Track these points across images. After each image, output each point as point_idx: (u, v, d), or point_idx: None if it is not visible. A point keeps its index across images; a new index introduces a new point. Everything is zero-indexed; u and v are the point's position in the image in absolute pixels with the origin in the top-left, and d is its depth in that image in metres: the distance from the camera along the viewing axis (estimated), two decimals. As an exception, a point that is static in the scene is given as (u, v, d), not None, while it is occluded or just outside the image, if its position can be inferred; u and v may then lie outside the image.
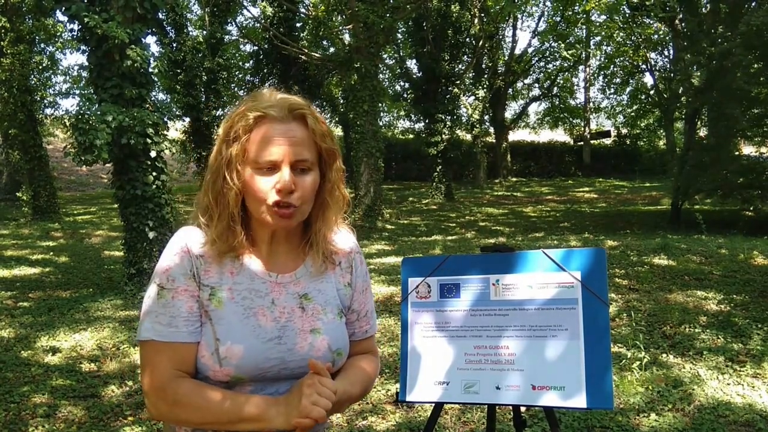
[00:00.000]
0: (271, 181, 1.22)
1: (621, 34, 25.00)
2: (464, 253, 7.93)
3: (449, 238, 11.18)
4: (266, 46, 21.33)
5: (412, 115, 26.42)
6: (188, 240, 1.27)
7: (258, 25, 22.05)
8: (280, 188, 1.21)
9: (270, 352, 1.24)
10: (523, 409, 2.59)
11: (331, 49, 22.28)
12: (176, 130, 19.54)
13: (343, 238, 1.41)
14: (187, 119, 19.09)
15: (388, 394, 3.98)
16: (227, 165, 1.23)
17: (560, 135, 33.31)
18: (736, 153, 13.20)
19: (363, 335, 1.44)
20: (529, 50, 27.49)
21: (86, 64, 7.23)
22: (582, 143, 30.43)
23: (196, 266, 1.25)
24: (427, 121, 20.58)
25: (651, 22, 21.68)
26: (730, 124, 11.90)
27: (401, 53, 24.31)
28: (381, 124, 23.42)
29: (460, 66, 21.36)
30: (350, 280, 1.41)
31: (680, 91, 17.08)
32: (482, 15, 21.95)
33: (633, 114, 28.96)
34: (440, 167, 20.18)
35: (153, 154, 7.06)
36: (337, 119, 27.13)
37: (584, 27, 26.14)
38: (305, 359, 1.26)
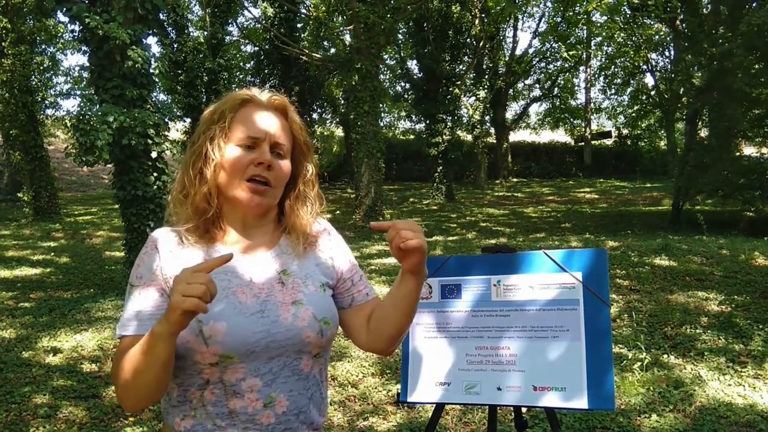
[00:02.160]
0: (250, 156, 1.29)
1: (622, 34, 24.98)
2: (465, 254, 7.93)
3: (450, 238, 11.18)
4: (267, 46, 21.36)
5: (413, 116, 26.44)
6: (157, 237, 1.32)
7: (259, 25, 22.08)
8: (258, 161, 1.28)
9: (254, 325, 1.25)
10: (524, 410, 2.59)
11: (332, 50, 22.29)
12: (177, 130, 19.57)
13: (317, 220, 1.45)
14: (188, 120, 19.11)
15: (390, 395, 3.98)
16: (210, 141, 1.30)
17: (561, 135, 33.28)
18: (737, 154, 13.19)
19: (365, 298, 1.44)
20: (530, 51, 27.48)
21: (87, 64, 7.24)
22: (583, 144, 30.41)
23: (163, 260, 1.29)
24: (427, 121, 20.58)
25: (652, 22, 21.67)
26: (731, 124, 11.89)
27: (402, 54, 24.31)
28: (382, 124, 23.43)
29: (460, 66, 21.35)
30: (330, 254, 1.43)
31: (681, 92, 17.08)
32: (483, 16, 21.95)
33: (634, 114, 28.94)
34: (441, 168, 20.18)
35: (154, 154, 7.07)
36: (337, 120, 27.18)
37: (585, 27, 26.14)
38: (291, 330, 1.28)
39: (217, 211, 1.32)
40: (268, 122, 1.31)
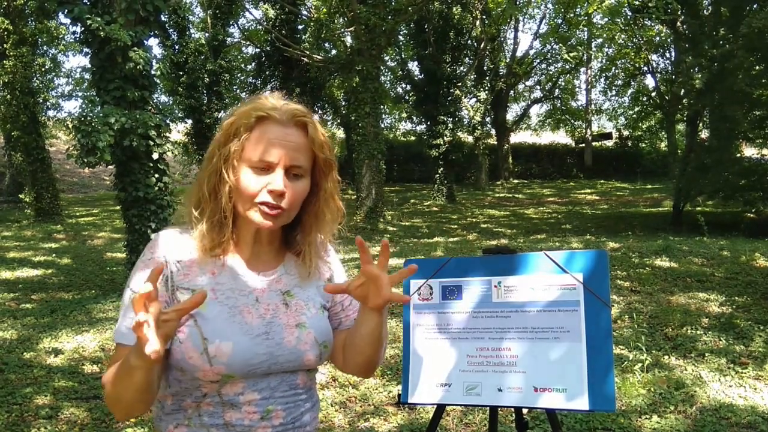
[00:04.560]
0: (263, 181, 1.23)
1: (622, 36, 25.00)
2: (466, 255, 7.93)
3: (451, 239, 11.18)
4: (268, 48, 21.36)
5: (414, 117, 26.43)
6: (165, 244, 1.28)
7: (260, 27, 22.10)
8: (271, 189, 1.22)
9: (258, 347, 1.24)
10: (524, 410, 2.59)
11: (333, 52, 22.30)
12: (178, 132, 19.57)
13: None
14: (189, 121, 19.12)
15: (390, 396, 3.98)
16: (225, 161, 1.25)
17: (562, 137, 33.28)
18: (738, 155, 13.19)
19: (352, 323, 1.44)
20: (531, 52, 27.48)
21: (89, 66, 7.26)
22: (583, 145, 30.41)
23: (171, 270, 1.25)
24: (428, 123, 20.59)
25: (652, 24, 21.68)
26: (731, 126, 11.89)
27: (403, 55, 24.31)
28: (383, 126, 23.46)
29: (461, 68, 21.36)
30: (330, 276, 1.42)
31: (682, 93, 17.10)
32: (484, 17, 21.95)
33: (634, 116, 28.94)
34: (442, 169, 20.18)
35: (155, 156, 7.08)
36: (338, 121, 27.16)
37: (586, 29, 26.14)
38: (293, 353, 1.28)
39: (231, 227, 1.29)
40: (284, 144, 1.23)
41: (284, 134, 1.25)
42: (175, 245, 1.28)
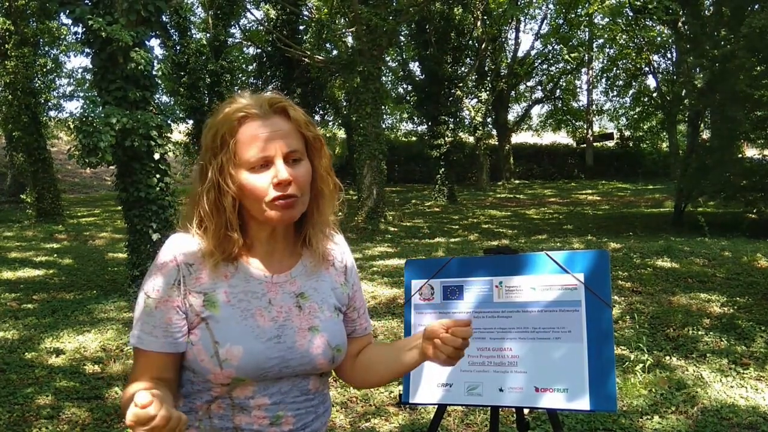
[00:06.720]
0: (267, 177, 1.21)
1: (624, 36, 25.01)
2: (467, 255, 7.93)
3: (452, 240, 11.18)
4: (269, 48, 21.40)
5: (415, 118, 26.47)
6: (177, 248, 1.26)
7: (261, 27, 22.12)
8: (277, 182, 1.21)
9: (270, 351, 1.24)
10: (526, 411, 2.59)
11: (334, 52, 22.33)
12: (180, 132, 19.59)
13: (334, 238, 1.42)
14: (191, 122, 19.13)
15: (392, 396, 3.98)
16: (220, 172, 1.23)
17: (563, 137, 33.28)
18: (739, 155, 13.19)
19: (364, 332, 1.46)
20: (532, 53, 27.50)
21: (90, 66, 7.26)
22: (585, 146, 30.41)
23: (183, 275, 1.24)
24: (429, 123, 20.59)
25: (653, 24, 21.69)
26: (733, 126, 11.88)
27: (404, 56, 24.33)
28: (384, 126, 23.44)
29: (462, 68, 21.37)
30: (345, 279, 1.41)
31: (683, 94, 17.10)
32: (485, 18, 21.96)
33: (636, 116, 28.96)
34: (443, 169, 20.18)
35: (157, 156, 7.07)
36: (339, 122, 27.20)
37: (587, 30, 26.16)
38: (305, 356, 1.27)
39: (240, 233, 1.27)
40: (274, 134, 1.22)
41: (270, 125, 1.24)
42: (186, 249, 1.27)
